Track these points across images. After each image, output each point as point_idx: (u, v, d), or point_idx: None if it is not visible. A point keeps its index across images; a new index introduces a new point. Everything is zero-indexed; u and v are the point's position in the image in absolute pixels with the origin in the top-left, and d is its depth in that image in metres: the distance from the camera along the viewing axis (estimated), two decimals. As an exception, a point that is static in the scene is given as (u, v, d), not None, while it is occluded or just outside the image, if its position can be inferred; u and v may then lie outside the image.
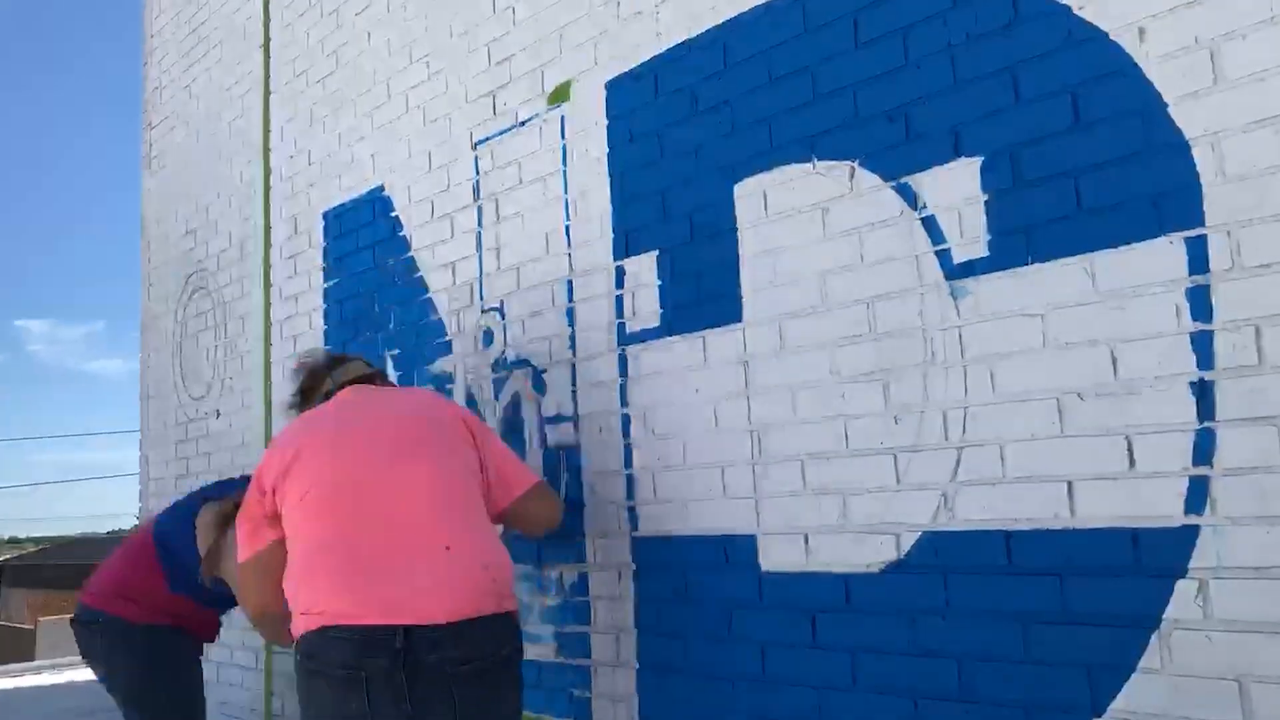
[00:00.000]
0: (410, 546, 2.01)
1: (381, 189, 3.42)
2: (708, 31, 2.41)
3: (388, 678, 1.90)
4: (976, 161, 1.91)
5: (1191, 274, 1.63)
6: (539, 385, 2.78)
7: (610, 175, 2.62)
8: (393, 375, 3.24)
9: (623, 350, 2.55)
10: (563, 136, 2.76)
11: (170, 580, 2.78)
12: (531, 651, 2.70)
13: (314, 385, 2.44)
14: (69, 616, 3.11)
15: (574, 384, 2.68)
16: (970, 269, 1.91)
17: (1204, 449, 1.60)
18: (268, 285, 4.03)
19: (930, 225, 1.97)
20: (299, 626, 2.02)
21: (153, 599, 2.78)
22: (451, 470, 2.15)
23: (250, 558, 2.21)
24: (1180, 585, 1.62)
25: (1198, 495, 1.61)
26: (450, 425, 2.24)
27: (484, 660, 1.98)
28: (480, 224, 3.01)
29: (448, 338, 3.10)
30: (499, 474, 2.27)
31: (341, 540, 2.02)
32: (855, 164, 2.10)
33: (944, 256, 1.95)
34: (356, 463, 2.11)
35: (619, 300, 2.57)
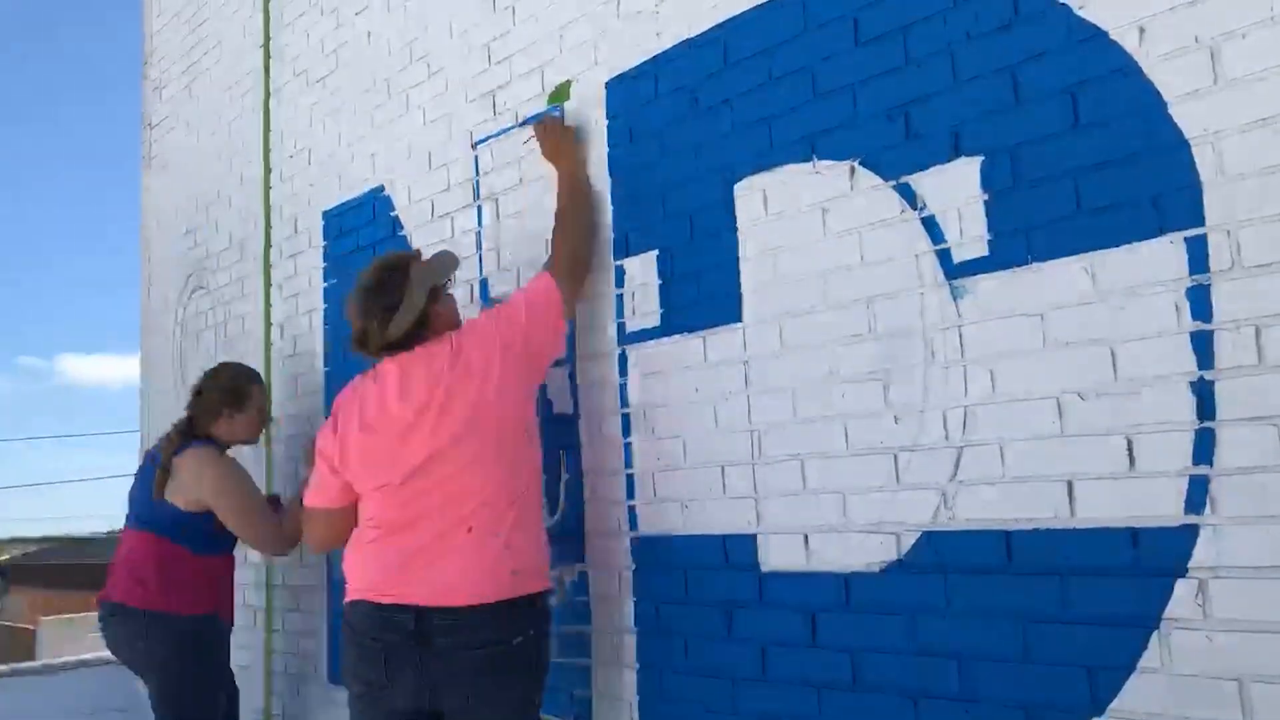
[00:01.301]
0: (436, 530, 2.16)
1: (381, 189, 3.42)
2: (708, 31, 2.41)
3: (405, 653, 2.11)
4: (976, 161, 1.91)
5: (1192, 274, 1.63)
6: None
7: (610, 174, 2.62)
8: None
9: (622, 350, 2.55)
10: (563, 136, 2.76)
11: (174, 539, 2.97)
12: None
13: (363, 340, 2.35)
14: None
15: (574, 384, 2.68)
16: (970, 268, 1.90)
17: (1204, 449, 1.60)
18: (268, 285, 4.03)
19: (930, 225, 1.97)
20: (347, 594, 2.28)
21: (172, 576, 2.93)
22: (484, 444, 2.20)
23: (329, 509, 2.36)
24: (1180, 585, 1.62)
25: (1198, 495, 1.60)
26: (481, 389, 2.22)
27: (494, 646, 2.08)
28: (480, 224, 3.01)
29: (448, 337, 3.09)
30: (529, 311, 2.33)
31: (383, 521, 2.22)
32: (855, 163, 2.10)
33: (944, 256, 1.94)
34: (393, 453, 2.23)
35: (619, 299, 2.57)
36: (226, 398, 3.15)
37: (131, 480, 3.25)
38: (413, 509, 2.20)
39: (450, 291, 2.48)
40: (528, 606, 2.19)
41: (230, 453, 3.20)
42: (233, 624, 3.21)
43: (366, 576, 2.23)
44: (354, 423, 2.30)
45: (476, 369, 2.24)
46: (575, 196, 2.56)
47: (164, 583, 2.95)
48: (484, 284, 2.98)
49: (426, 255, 2.49)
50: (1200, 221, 1.63)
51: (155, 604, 2.94)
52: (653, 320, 2.48)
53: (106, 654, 6.06)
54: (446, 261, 2.46)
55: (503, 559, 2.15)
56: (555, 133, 2.65)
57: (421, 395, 2.23)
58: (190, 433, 3.11)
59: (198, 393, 3.19)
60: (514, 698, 2.17)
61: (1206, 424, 1.60)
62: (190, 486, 2.99)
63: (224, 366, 3.34)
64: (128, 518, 3.17)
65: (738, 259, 2.30)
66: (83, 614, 16.70)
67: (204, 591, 3.04)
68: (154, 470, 3.05)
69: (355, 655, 2.22)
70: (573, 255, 2.50)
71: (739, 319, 2.29)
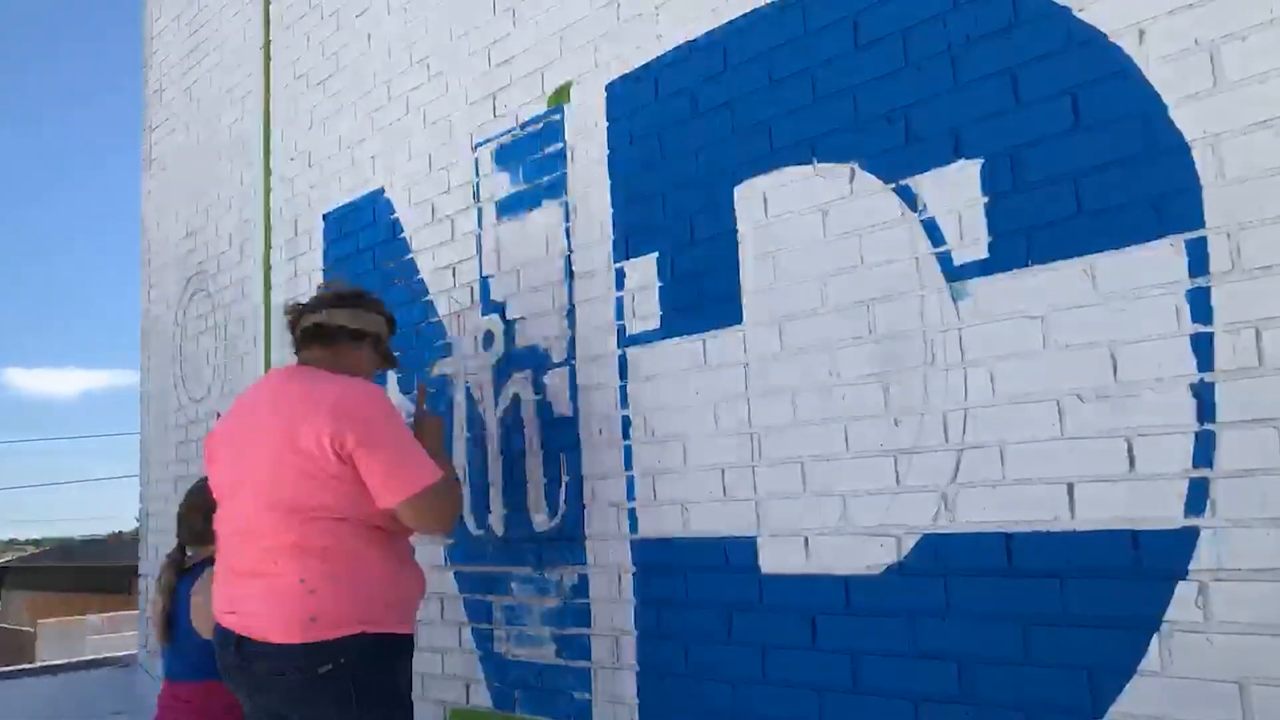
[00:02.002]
0: (251, 566, 2.16)
1: (382, 191, 3.43)
2: (708, 33, 2.41)
3: (237, 674, 2.18)
4: (977, 163, 1.91)
5: (1192, 276, 1.63)
6: (539, 387, 2.78)
7: (610, 177, 2.62)
8: (393, 378, 3.24)
9: (623, 352, 2.55)
10: (563, 139, 2.77)
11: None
12: (532, 654, 2.71)
13: (307, 308, 2.39)
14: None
15: (574, 386, 2.68)
16: (970, 271, 1.91)
17: (1204, 451, 1.60)
18: (268, 287, 4.03)
19: (930, 227, 1.97)
20: None
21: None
22: (303, 506, 2.10)
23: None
24: (1180, 587, 1.62)
25: (1198, 497, 1.61)
26: (303, 447, 2.10)
27: (302, 674, 2.07)
28: (480, 226, 3.01)
29: (448, 340, 3.10)
30: (370, 486, 2.11)
31: (224, 542, 2.27)
32: (855, 166, 2.10)
33: (944, 258, 1.95)
34: (233, 490, 2.25)
35: (619, 302, 2.57)
36: (213, 515, 2.99)
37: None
38: (236, 529, 2.21)
39: (379, 371, 2.55)
40: (332, 647, 2.06)
41: None
42: None
43: (215, 596, 2.28)
44: (221, 425, 2.37)
45: (317, 429, 2.10)
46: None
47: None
48: (484, 285, 2.99)
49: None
50: (1200, 224, 1.63)
51: None
52: (653, 323, 2.48)
53: (104, 656, 6.06)
54: (387, 329, 2.48)
55: (305, 604, 2.06)
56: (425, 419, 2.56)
57: (284, 412, 2.17)
58: (182, 563, 2.88)
59: (182, 518, 2.96)
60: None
61: (1207, 426, 1.60)
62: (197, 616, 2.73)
63: (201, 484, 3.15)
64: (168, 669, 2.87)
65: (738, 261, 2.30)
66: (82, 616, 16.71)
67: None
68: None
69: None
70: (424, 530, 2.31)
71: (739, 321, 2.29)
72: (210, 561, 2.81)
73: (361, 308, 2.39)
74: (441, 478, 2.18)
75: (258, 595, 2.12)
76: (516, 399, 2.85)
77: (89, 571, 24.74)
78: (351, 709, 2.09)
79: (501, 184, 2.95)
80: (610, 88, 2.65)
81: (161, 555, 4.57)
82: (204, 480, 2.98)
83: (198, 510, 2.88)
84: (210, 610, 2.58)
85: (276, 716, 2.17)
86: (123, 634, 12.40)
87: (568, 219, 2.73)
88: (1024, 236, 1.83)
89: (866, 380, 2.05)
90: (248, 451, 2.21)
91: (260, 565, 2.13)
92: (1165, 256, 1.66)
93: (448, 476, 2.24)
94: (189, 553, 2.91)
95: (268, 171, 4.09)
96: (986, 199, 1.89)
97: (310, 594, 2.07)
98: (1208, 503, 1.60)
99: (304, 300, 2.43)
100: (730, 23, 2.36)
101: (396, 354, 2.62)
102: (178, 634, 2.78)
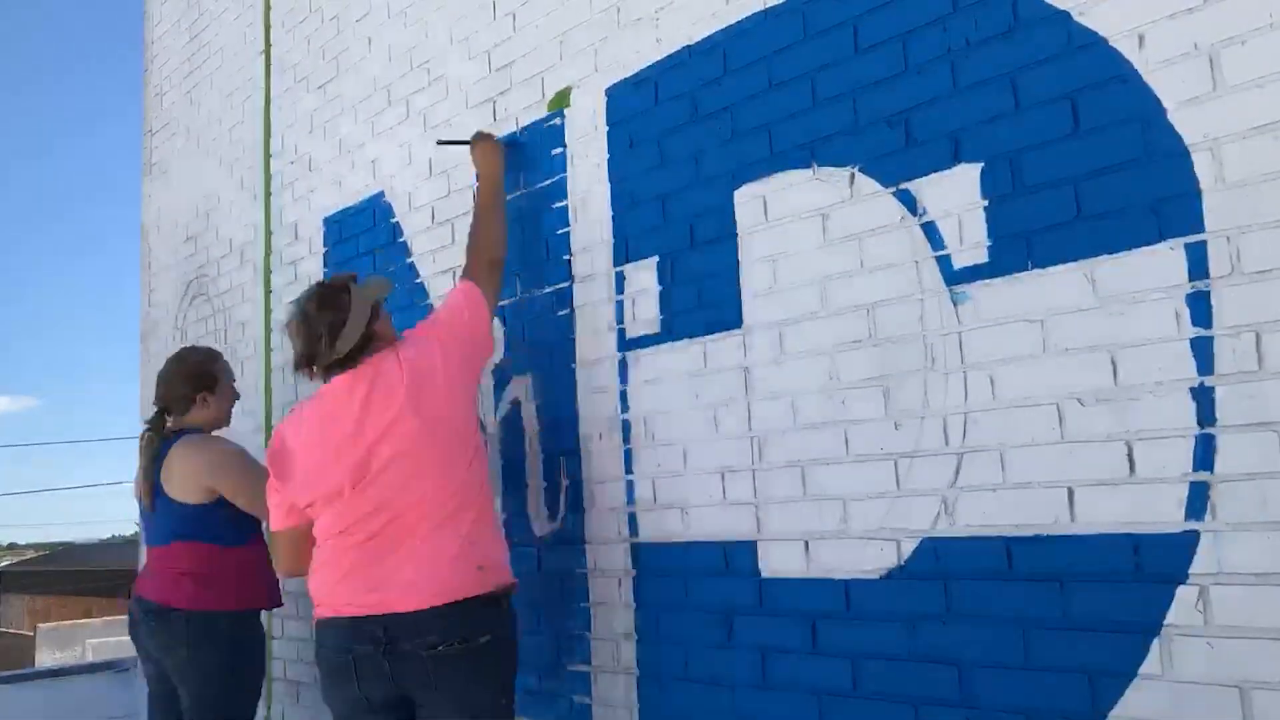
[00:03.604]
0: (397, 534, 2.20)
1: (382, 194, 3.43)
2: (708, 38, 2.41)
3: (373, 661, 2.15)
4: (976, 167, 1.91)
5: (1191, 280, 1.63)
6: (539, 391, 2.78)
7: (610, 181, 2.63)
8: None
9: (623, 356, 2.55)
10: (563, 143, 2.77)
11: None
12: (532, 658, 2.70)
13: (310, 357, 2.35)
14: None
15: (574, 390, 2.68)
16: (970, 275, 1.91)
17: (1204, 455, 1.60)
18: (268, 291, 4.03)
19: (930, 231, 1.97)
20: (315, 614, 2.31)
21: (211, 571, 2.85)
22: (439, 447, 2.24)
23: (284, 529, 2.39)
24: (1181, 591, 1.62)
25: (1198, 501, 1.61)
26: (431, 395, 2.26)
27: (458, 645, 2.11)
28: (480, 230, 3.01)
29: (448, 343, 3.09)
30: (459, 315, 2.42)
31: (340, 533, 2.25)
32: (855, 170, 2.10)
33: (944, 262, 1.95)
34: (338, 475, 2.24)
35: (619, 306, 2.57)
36: (197, 382, 3.03)
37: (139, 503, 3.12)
38: (372, 517, 2.22)
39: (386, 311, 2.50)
40: (494, 606, 2.22)
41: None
42: (281, 604, 3.07)
43: (331, 592, 2.26)
44: (298, 442, 2.33)
45: (424, 376, 2.27)
46: (495, 199, 2.69)
47: (202, 582, 2.83)
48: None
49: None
50: (1200, 228, 1.63)
51: (198, 603, 2.81)
52: (653, 327, 2.48)
53: (104, 659, 6.05)
54: (382, 282, 2.49)
55: (468, 555, 2.19)
56: (488, 140, 2.80)
57: (377, 405, 2.24)
58: (163, 428, 3.00)
59: (164, 384, 3.07)
60: (482, 699, 2.18)
61: (1207, 430, 1.60)
62: (190, 475, 2.87)
63: (184, 352, 3.21)
64: (146, 535, 3.06)
65: (738, 265, 2.30)
66: (82, 620, 16.69)
67: (245, 587, 2.91)
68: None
69: (324, 675, 2.28)
70: (490, 259, 2.60)
71: (739, 325, 2.29)
72: (189, 430, 2.89)
73: (346, 303, 2.32)
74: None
75: (414, 561, 2.17)
76: (516, 403, 2.85)
77: (88, 575, 24.73)
78: (499, 682, 2.22)
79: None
80: (610, 92, 2.65)
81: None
82: (187, 348, 3.11)
83: (182, 377, 2.97)
84: (190, 474, 2.81)
85: (420, 696, 2.16)
86: (121, 638, 12.38)
87: (568, 223, 2.73)
88: (1024, 240, 1.83)
89: (866, 384, 2.05)
90: (348, 451, 2.23)
91: (407, 533, 2.19)
92: (1165, 260, 1.66)
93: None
94: (169, 421, 3.01)
95: (268, 175, 4.09)
96: (986, 203, 1.89)
97: (472, 545, 2.20)
98: (1208, 506, 1.60)
99: (302, 348, 2.34)
100: (730, 27, 2.36)
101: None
102: (158, 500, 2.89)
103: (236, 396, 3.23)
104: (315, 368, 2.33)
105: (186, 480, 2.89)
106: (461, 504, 2.24)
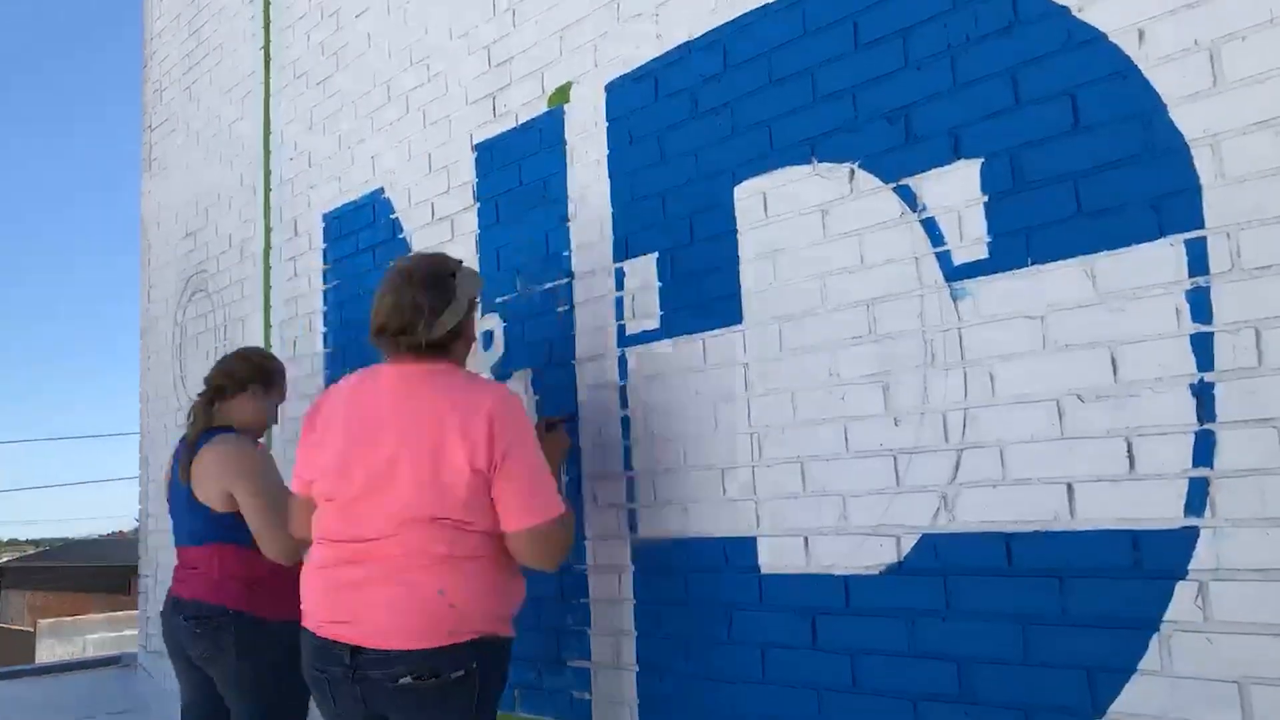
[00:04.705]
0: (376, 569, 2.02)
1: (382, 191, 3.43)
2: (707, 33, 2.41)
3: (344, 685, 2.03)
4: (976, 163, 1.91)
5: (1191, 276, 1.63)
6: (539, 387, 2.78)
7: (610, 177, 2.63)
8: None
9: (623, 352, 2.55)
10: (563, 138, 2.77)
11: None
12: (532, 653, 2.70)
13: (402, 330, 2.13)
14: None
15: (574, 386, 2.68)
16: (970, 271, 1.91)
17: (1204, 451, 1.60)
18: (267, 287, 4.03)
19: (930, 227, 1.97)
20: (301, 619, 2.15)
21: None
22: (448, 512, 2.01)
23: (305, 496, 2.21)
24: (1180, 587, 1.62)
25: (1198, 497, 1.61)
26: (452, 451, 2.01)
27: (428, 678, 1.97)
28: (480, 226, 3.01)
29: (448, 340, 3.09)
30: (498, 504, 2.04)
31: (331, 548, 2.10)
32: (855, 166, 2.10)
33: (944, 258, 1.95)
34: (354, 474, 2.06)
35: (619, 302, 2.57)
36: (258, 374, 2.91)
37: (166, 494, 2.95)
38: (365, 536, 2.04)
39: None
40: (468, 645, 2.01)
41: None
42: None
43: (311, 604, 2.11)
44: (338, 420, 2.14)
45: (478, 435, 2.02)
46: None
47: (245, 585, 2.69)
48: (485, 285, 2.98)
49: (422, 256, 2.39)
50: (1200, 224, 1.63)
51: (241, 607, 2.67)
52: (653, 323, 2.48)
53: (104, 655, 6.06)
54: (478, 278, 2.30)
55: (442, 616, 1.99)
56: (555, 432, 2.50)
57: (424, 415, 2.06)
58: (211, 407, 2.86)
59: (223, 364, 2.95)
60: None
61: (1206, 426, 1.60)
62: (216, 477, 2.72)
63: (255, 349, 3.19)
64: (176, 536, 2.88)
65: (738, 261, 2.30)
66: (83, 616, 16.71)
67: (289, 594, 2.84)
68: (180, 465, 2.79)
69: (310, 684, 2.14)
70: (538, 564, 2.15)
71: (739, 321, 2.29)
72: (225, 429, 2.83)
73: (452, 287, 2.15)
74: (568, 510, 2.11)
75: (385, 605, 1.99)
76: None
77: (89, 571, 24.76)
78: (471, 713, 2.04)
79: (501, 184, 2.95)
80: (610, 88, 2.65)
81: (161, 556, 4.60)
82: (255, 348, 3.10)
83: (243, 360, 2.92)
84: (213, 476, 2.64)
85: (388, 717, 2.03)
86: (122, 634, 12.40)
87: (567, 219, 2.73)
88: (1024, 236, 1.83)
89: (866, 380, 2.05)
90: (372, 455, 2.05)
91: (390, 574, 2.00)
92: (1165, 256, 1.66)
93: (570, 510, 2.15)
94: (216, 406, 2.86)
95: (267, 171, 4.09)
96: (986, 199, 1.89)
97: (451, 608, 1.99)
98: (1207, 502, 1.60)
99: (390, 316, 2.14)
100: (730, 22, 2.36)
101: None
102: (188, 496, 2.74)
103: (275, 419, 3.13)
104: (400, 341, 2.13)
105: (213, 481, 2.74)
106: (449, 558, 2.02)
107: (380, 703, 2.03)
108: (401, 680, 1.97)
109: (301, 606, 2.14)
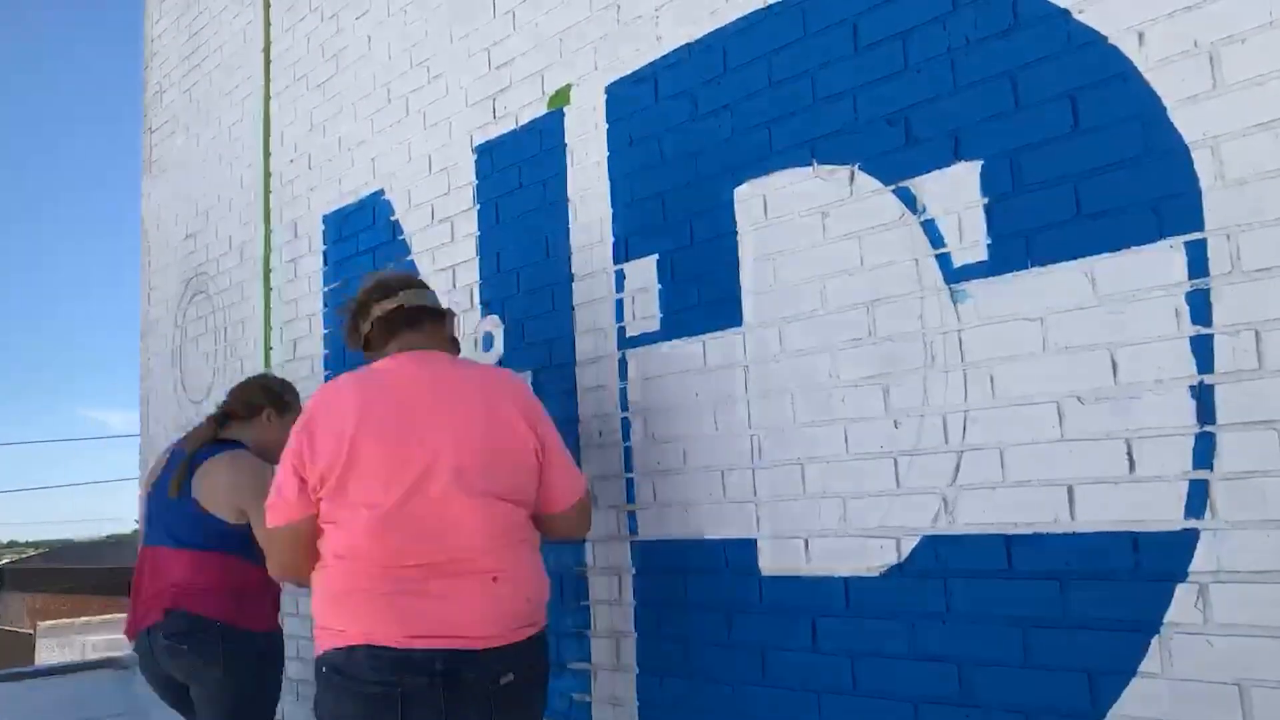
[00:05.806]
0: (457, 575, 1.96)
1: (382, 193, 3.43)
2: (707, 35, 2.41)
3: (426, 696, 1.90)
4: (976, 165, 1.91)
5: (1191, 278, 1.63)
6: (538, 389, 2.78)
7: (610, 179, 2.63)
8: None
9: (623, 354, 2.55)
10: (563, 140, 2.77)
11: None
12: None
13: (386, 331, 2.20)
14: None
15: (574, 388, 2.68)
16: (970, 273, 1.91)
17: (1204, 453, 1.60)
18: (267, 289, 4.03)
19: (930, 229, 1.97)
20: (324, 641, 2.00)
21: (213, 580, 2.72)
22: (508, 493, 2.04)
23: (284, 525, 2.06)
24: (1180, 589, 1.62)
25: (1198, 499, 1.61)
26: (511, 431, 2.06)
27: (519, 675, 2.00)
28: (480, 228, 3.01)
29: (448, 341, 3.09)
30: (547, 485, 2.12)
31: (387, 565, 1.96)
32: (855, 168, 2.10)
33: (944, 260, 1.95)
34: (414, 483, 1.97)
35: (619, 304, 2.57)
36: (271, 398, 2.97)
37: (148, 492, 2.93)
38: (415, 540, 1.96)
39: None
40: (541, 639, 2.10)
41: None
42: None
43: (370, 619, 1.95)
44: (377, 426, 2.01)
45: (519, 415, 2.08)
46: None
47: (233, 597, 2.68)
48: (484, 287, 2.98)
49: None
50: (1200, 226, 1.63)
51: (229, 619, 2.67)
52: (653, 324, 2.48)
53: (103, 657, 6.06)
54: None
55: (518, 608, 2.02)
56: None
57: (474, 398, 2.05)
58: (220, 428, 2.88)
59: (239, 389, 3.00)
60: None
61: (1206, 428, 1.60)
62: (226, 489, 2.72)
63: (275, 377, 3.19)
64: (151, 536, 2.83)
65: (738, 263, 2.30)
66: (82, 618, 16.70)
67: (272, 605, 2.80)
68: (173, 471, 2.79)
69: (353, 706, 1.95)
70: (576, 535, 2.37)
71: (739, 323, 2.29)
72: (233, 444, 2.83)
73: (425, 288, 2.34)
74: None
75: (469, 602, 1.95)
76: (516, 401, 2.85)
77: (88, 573, 24.74)
78: (544, 707, 2.09)
79: (502, 186, 2.95)
80: (610, 90, 2.65)
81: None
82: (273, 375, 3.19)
83: (260, 388, 2.99)
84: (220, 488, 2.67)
85: None
86: (122, 636, 12.39)
87: (568, 221, 2.73)
88: (1023, 239, 1.83)
89: (866, 382, 2.05)
90: (418, 450, 1.97)
91: (459, 564, 1.95)
92: (1165, 258, 1.66)
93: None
94: (228, 426, 2.91)
95: (267, 173, 4.10)
96: (986, 201, 1.89)
97: (526, 601, 2.04)
98: (1207, 505, 1.60)
99: (369, 290, 2.25)
100: (730, 25, 2.36)
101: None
102: (184, 499, 2.75)
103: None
104: (437, 331, 2.22)
105: (222, 494, 2.73)
106: (529, 538, 2.11)
107: (466, 711, 1.93)
108: (504, 679, 1.96)
109: (347, 622, 1.97)
